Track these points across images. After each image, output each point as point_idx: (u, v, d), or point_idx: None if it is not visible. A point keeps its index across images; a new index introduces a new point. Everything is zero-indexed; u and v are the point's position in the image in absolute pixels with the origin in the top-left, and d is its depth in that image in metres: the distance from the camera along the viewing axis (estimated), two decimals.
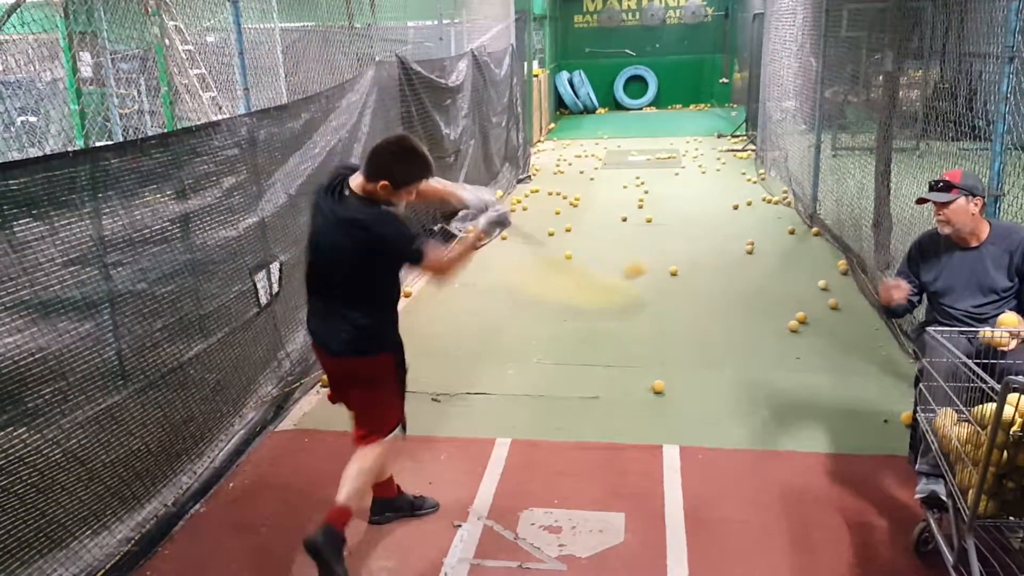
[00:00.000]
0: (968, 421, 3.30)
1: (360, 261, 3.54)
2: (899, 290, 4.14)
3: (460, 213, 10.06)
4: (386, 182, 3.48)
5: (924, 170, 6.50)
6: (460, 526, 4.14)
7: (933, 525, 3.59)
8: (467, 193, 3.95)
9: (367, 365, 3.76)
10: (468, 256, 3.72)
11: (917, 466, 3.84)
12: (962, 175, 3.99)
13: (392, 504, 4.22)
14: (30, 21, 6.14)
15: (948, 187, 3.97)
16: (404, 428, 3.99)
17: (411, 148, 3.58)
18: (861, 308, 7.07)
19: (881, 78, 7.69)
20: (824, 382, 5.63)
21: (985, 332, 3.67)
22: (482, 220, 3.79)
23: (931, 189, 4.06)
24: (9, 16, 6.23)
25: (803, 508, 4.20)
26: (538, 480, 4.54)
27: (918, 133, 7.72)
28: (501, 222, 3.83)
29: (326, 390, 5.61)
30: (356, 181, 3.56)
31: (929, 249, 4.22)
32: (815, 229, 9.60)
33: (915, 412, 3.93)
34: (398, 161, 3.52)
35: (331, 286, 3.69)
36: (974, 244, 4.07)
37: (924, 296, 4.30)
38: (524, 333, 6.76)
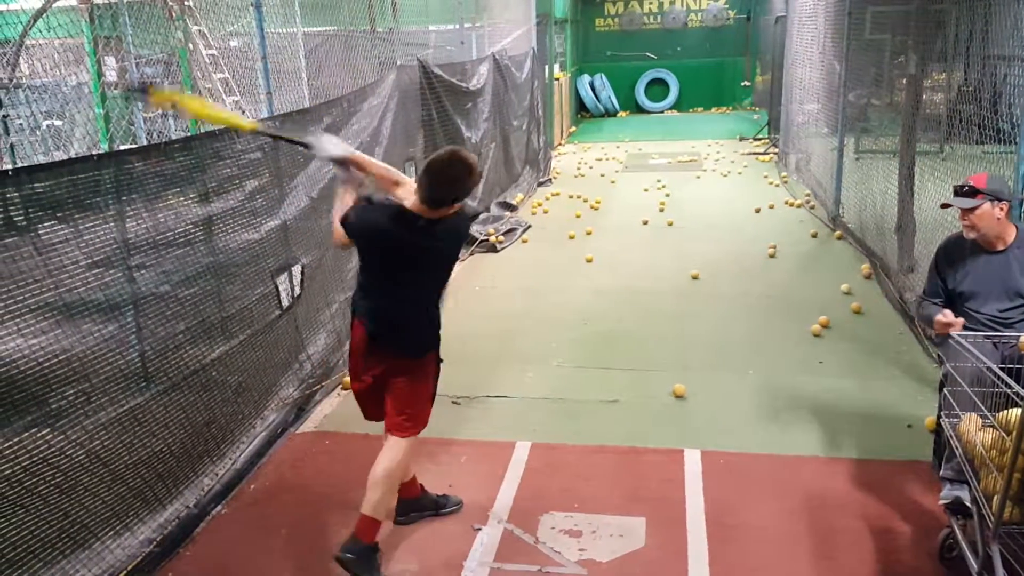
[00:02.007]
0: (993, 426, 3.27)
1: (450, 271, 3.84)
2: (957, 326, 3.99)
3: (480, 215, 10.09)
4: (459, 204, 3.61)
5: (948, 173, 6.44)
6: (480, 529, 4.14)
7: (957, 531, 3.55)
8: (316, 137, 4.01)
9: (424, 364, 3.89)
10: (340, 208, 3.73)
11: (941, 472, 3.80)
12: (987, 179, 3.95)
13: (417, 504, 4.25)
14: (56, 26, 6.21)
15: (973, 192, 3.93)
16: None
17: (466, 163, 3.54)
18: (884, 312, 7.01)
19: (904, 81, 7.63)
20: (847, 386, 5.59)
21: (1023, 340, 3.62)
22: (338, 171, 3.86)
23: (956, 194, 4.02)
24: (36, 21, 6.30)
25: (826, 513, 4.17)
26: (558, 483, 4.53)
27: (942, 136, 7.65)
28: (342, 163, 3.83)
29: (347, 392, 5.66)
30: (418, 207, 3.55)
31: (954, 253, 4.17)
32: (838, 232, 9.53)
33: (939, 417, 3.90)
34: (465, 181, 3.53)
35: (413, 301, 3.76)
36: (1000, 248, 4.02)
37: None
38: (543, 336, 6.76)
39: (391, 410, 3.89)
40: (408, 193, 3.71)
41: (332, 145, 3.85)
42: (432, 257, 3.68)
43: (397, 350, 3.80)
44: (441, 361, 3.96)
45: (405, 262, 3.64)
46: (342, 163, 3.79)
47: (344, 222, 3.65)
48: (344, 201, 3.72)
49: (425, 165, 3.53)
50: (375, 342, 3.78)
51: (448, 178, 3.50)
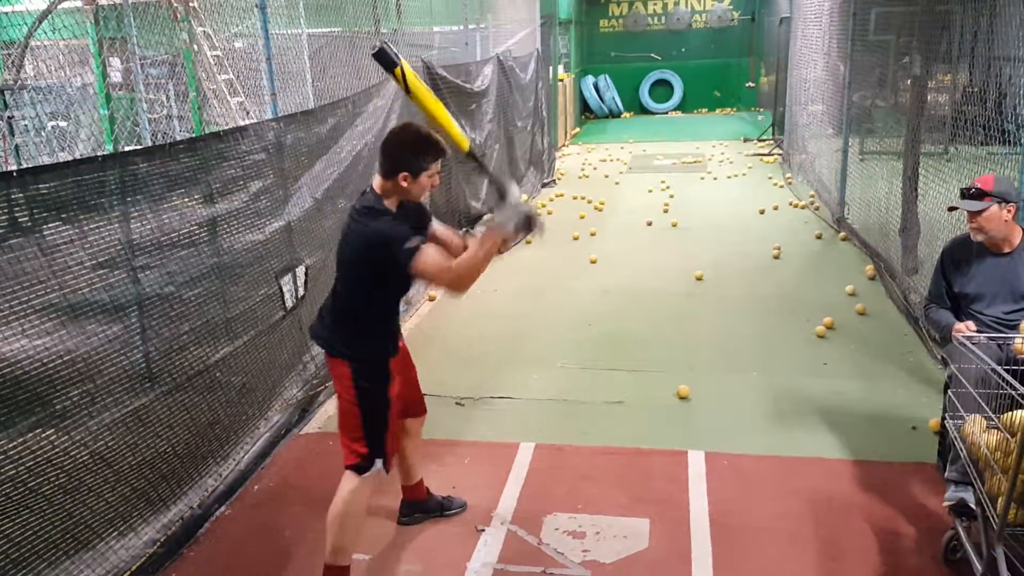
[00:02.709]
0: (998, 428, 3.26)
1: (351, 264, 3.50)
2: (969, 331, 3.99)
3: (485, 216, 10.10)
4: (405, 173, 3.39)
5: (952, 174, 6.43)
6: (484, 531, 4.14)
7: (962, 533, 3.54)
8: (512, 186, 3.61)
9: (332, 365, 3.63)
10: (487, 259, 3.42)
11: (946, 473, 3.80)
12: (994, 181, 3.94)
13: (422, 506, 4.25)
14: (61, 27, 6.22)
15: (980, 194, 3.92)
16: (385, 464, 3.62)
17: (417, 132, 3.47)
18: (889, 313, 7.00)
19: (909, 82, 7.62)
20: (851, 388, 5.58)
21: (1018, 341, 3.62)
22: (509, 223, 3.47)
23: (963, 196, 4.01)
24: (40, 22, 6.31)
25: (830, 515, 4.16)
26: (562, 485, 4.53)
27: (946, 137, 7.64)
28: (529, 224, 3.49)
29: None
30: (376, 182, 3.48)
31: (960, 255, 4.17)
32: (842, 233, 9.52)
33: (944, 419, 3.89)
34: (409, 149, 3.42)
35: (339, 271, 3.63)
36: (1007, 250, 4.01)
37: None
38: (548, 337, 6.75)
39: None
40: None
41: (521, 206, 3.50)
42: (346, 234, 3.49)
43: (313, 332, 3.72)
44: (378, 395, 3.57)
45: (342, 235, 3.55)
46: (527, 224, 3.48)
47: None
48: (488, 251, 3.41)
49: None
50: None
51: (395, 143, 3.48)
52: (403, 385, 3.77)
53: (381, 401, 3.57)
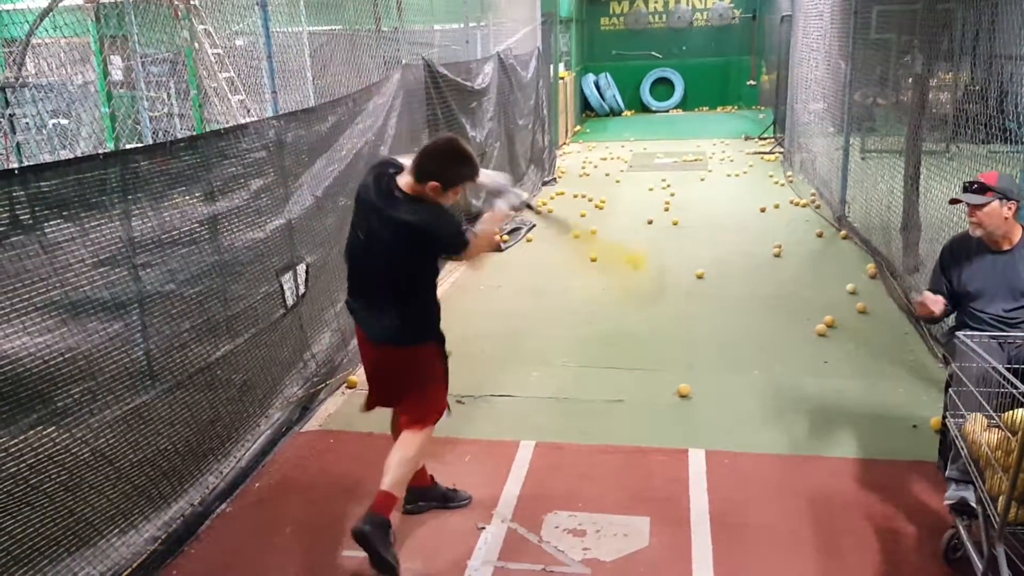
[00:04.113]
0: (999, 427, 3.26)
1: (411, 257, 3.70)
2: (937, 304, 4.08)
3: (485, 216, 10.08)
4: (436, 183, 3.58)
5: (954, 173, 6.42)
6: (484, 528, 4.14)
7: (962, 532, 3.54)
8: (483, 177, 3.93)
9: (412, 355, 3.85)
10: (492, 236, 3.91)
11: (947, 472, 3.80)
12: (998, 177, 3.95)
13: (426, 494, 4.27)
14: (62, 25, 6.22)
15: (983, 189, 3.93)
16: (448, 411, 4.07)
17: (460, 150, 3.67)
18: (890, 312, 7.00)
19: (910, 80, 7.62)
20: (852, 387, 5.58)
21: None
22: (500, 203, 3.92)
23: (965, 190, 4.02)
24: (42, 20, 6.31)
25: (830, 514, 4.16)
26: (562, 483, 4.53)
27: (948, 136, 7.63)
28: (516, 203, 3.97)
29: (351, 391, 5.68)
30: (404, 180, 3.64)
31: (960, 252, 4.17)
32: (843, 232, 9.52)
33: (944, 417, 3.89)
34: (448, 163, 3.61)
35: (379, 280, 3.77)
36: (1006, 248, 4.02)
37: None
38: (549, 335, 6.75)
39: (398, 406, 4.00)
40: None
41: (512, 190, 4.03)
42: (390, 231, 3.63)
43: (373, 335, 3.86)
44: (447, 355, 3.98)
45: (372, 230, 3.68)
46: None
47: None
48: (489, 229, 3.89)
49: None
50: (356, 322, 3.94)
51: (436, 152, 3.65)
52: None
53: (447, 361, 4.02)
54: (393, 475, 3.75)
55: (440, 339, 3.94)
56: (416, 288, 3.79)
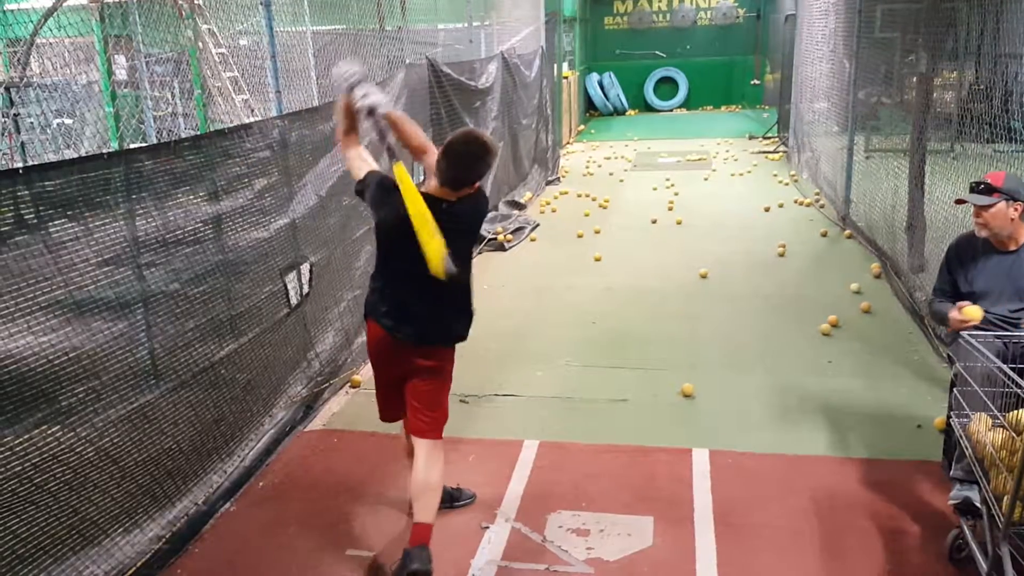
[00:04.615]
0: (1003, 427, 3.25)
1: (473, 244, 3.82)
2: (971, 322, 4.00)
3: (488, 214, 10.09)
4: (478, 183, 3.62)
5: (958, 172, 6.41)
6: (488, 527, 4.14)
7: (967, 532, 3.54)
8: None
9: (448, 355, 3.89)
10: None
11: (951, 472, 3.79)
12: (1005, 178, 3.93)
13: None
14: (66, 25, 6.23)
15: (990, 190, 3.91)
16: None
17: (486, 142, 3.58)
18: (894, 312, 6.99)
19: (915, 79, 7.60)
20: (856, 386, 5.58)
21: None
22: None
23: (972, 191, 4.01)
24: (46, 20, 6.33)
25: (834, 513, 4.16)
26: (566, 482, 4.53)
27: (952, 135, 7.62)
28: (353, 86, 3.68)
29: (355, 390, 5.68)
30: (433, 187, 3.60)
31: (966, 252, 4.16)
32: (847, 231, 9.51)
33: (949, 417, 3.88)
34: (487, 159, 3.56)
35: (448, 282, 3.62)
36: (1012, 248, 4.01)
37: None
38: (552, 335, 6.75)
39: (418, 412, 3.83)
40: (431, 163, 3.69)
41: (375, 93, 3.69)
42: (456, 238, 3.54)
43: (430, 342, 3.75)
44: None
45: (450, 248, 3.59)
46: (376, 116, 3.69)
47: (360, 193, 3.69)
48: (344, 121, 3.77)
49: (443, 148, 3.53)
50: (397, 339, 3.71)
51: (467, 159, 3.52)
52: None
53: None
54: (428, 505, 3.72)
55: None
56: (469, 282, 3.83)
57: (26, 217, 3.21)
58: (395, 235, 3.54)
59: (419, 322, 3.71)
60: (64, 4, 6.31)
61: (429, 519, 3.70)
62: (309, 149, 5.44)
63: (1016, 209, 3.91)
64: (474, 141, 3.54)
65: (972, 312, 3.87)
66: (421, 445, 3.79)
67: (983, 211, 3.93)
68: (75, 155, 6.62)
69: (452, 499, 4.29)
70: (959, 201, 4.20)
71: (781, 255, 8.79)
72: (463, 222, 3.62)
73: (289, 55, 6.01)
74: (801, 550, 3.89)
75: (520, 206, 11.25)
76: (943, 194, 6.50)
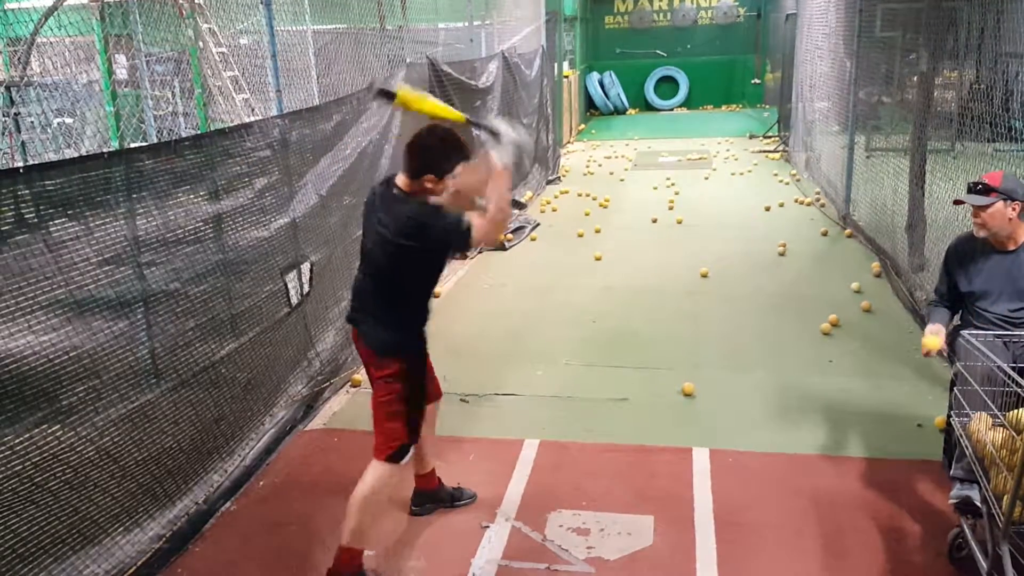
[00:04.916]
0: (1003, 426, 3.25)
1: (402, 256, 3.47)
2: (940, 335, 4.05)
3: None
4: (431, 175, 3.46)
5: (959, 172, 6.41)
6: (488, 527, 4.14)
7: (967, 531, 3.54)
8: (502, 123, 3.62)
9: (380, 365, 3.65)
10: (502, 205, 3.46)
11: (951, 471, 3.79)
12: (1002, 178, 3.93)
13: (434, 496, 4.28)
14: (67, 24, 6.23)
15: (987, 190, 3.91)
16: (404, 454, 3.66)
17: (444, 135, 3.54)
18: (895, 311, 6.99)
19: (916, 79, 7.60)
20: (857, 385, 5.58)
21: None
22: (494, 155, 3.54)
23: (969, 191, 4.01)
24: (47, 19, 6.32)
25: (835, 512, 4.16)
26: (566, 482, 4.53)
27: (953, 134, 7.62)
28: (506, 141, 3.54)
29: (356, 389, 5.69)
30: (401, 180, 3.53)
31: (965, 252, 4.16)
32: (848, 231, 9.51)
33: (949, 416, 3.88)
34: (437, 151, 3.48)
35: (373, 280, 3.62)
36: (1011, 248, 4.01)
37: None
38: (553, 334, 6.75)
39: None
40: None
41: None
42: (372, 232, 3.54)
43: (359, 334, 3.72)
44: (416, 386, 3.68)
45: (369, 229, 3.60)
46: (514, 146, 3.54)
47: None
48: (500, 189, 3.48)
49: None
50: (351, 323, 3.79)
51: (419, 145, 3.52)
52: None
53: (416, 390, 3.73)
54: (350, 523, 3.60)
55: (411, 358, 3.67)
56: (403, 294, 3.62)
57: (26, 216, 3.21)
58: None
59: (361, 322, 3.71)
60: (64, 3, 6.30)
61: (344, 540, 3.60)
62: (309, 148, 5.44)
63: (1014, 208, 3.91)
64: (432, 131, 3.55)
65: (927, 342, 3.98)
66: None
67: (981, 211, 3.93)
68: (76, 154, 6.62)
69: (453, 499, 4.30)
70: (957, 202, 4.20)
71: (781, 254, 8.79)
72: (395, 214, 3.45)
73: (289, 54, 6.01)
74: (801, 549, 3.89)
75: (520, 205, 11.25)
76: (943, 193, 6.50)
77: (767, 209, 10.97)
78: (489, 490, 4.44)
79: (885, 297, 7.34)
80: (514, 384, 5.78)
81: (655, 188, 12.76)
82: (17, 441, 3.15)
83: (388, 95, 3.62)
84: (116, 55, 6.84)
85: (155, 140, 6.72)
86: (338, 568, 3.63)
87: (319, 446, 5.05)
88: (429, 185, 3.47)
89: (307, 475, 4.72)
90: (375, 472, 3.63)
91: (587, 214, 11.09)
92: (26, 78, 7.03)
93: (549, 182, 13.46)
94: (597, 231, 10.11)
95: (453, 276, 8.33)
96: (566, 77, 17.65)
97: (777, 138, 16.58)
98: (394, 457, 3.62)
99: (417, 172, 3.47)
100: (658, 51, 24.02)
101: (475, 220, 3.39)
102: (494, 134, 3.52)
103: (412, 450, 3.69)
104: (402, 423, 3.63)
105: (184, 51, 6.95)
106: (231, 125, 5.65)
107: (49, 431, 3.29)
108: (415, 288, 3.63)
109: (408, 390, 3.63)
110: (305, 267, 5.36)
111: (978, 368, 3.55)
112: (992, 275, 4.03)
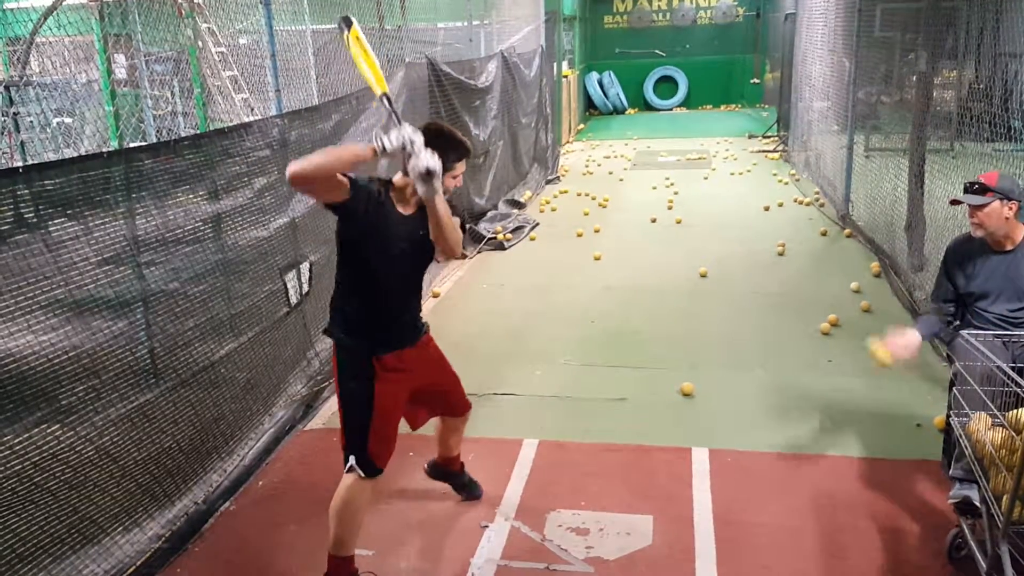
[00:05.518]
0: (1003, 426, 3.26)
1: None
2: (909, 348, 4.11)
3: (488, 213, 10.10)
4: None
5: (958, 171, 6.41)
6: (487, 526, 4.14)
7: (966, 531, 3.54)
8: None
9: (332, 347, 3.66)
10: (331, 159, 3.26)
11: (951, 471, 3.79)
12: (998, 177, 3.94)
13: (453, 477, 4.34)
14: (66, 23, 6.22)
15: (983, 190, 3.92)
16: (362, 465, 3.52)
17: (440, 131, 3.47)
18: (894, 311, 6.99)
19: (915, 78, 7.61)
20: (856, 385, 5.58)
21: None
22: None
23: (966, 191, 4.01)
24: (46, 19, 6.32)
25: (834, 512, 4.16)
26: (565, 481, 4.53)
27: (952, 134, 7.62)
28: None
29: None
30: (397, 177, 3.48)
31: (963, 253, 4.16)
32: (847, 230, 9.51)
33: (948, 416, 3.88)
34: (433, 147, 3.29)
35: (406, 281, 3.62)
36: (1009, 248, 4.01)
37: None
38: (551, 334, 6.75)
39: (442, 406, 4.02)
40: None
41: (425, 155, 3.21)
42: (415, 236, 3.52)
43: (400, 347, 3.66)
44: (347, 367, 3.58)
45: (395, 245, 3.58)
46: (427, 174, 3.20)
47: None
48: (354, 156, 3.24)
49: None
50: (383, 352, 3.66)
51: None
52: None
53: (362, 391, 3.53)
54: (331, 533, 3.56)
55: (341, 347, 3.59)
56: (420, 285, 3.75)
57: (26, 216, 3.21)
58: None
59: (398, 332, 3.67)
60: (64, 3, 6.30)
61: (329, 548, 3.56)
62: (309, 148, 5.43)
63: (1011, 208, 3.91)
64: (428, 127, 3.46)
65: (877, 353, 4.09)
66: None
67: (978, 211, 3.94)
68: (75, 154, 6.61)
69: (466, 489, 4.36)
70: (954, 202, 4.21)
71: (781, 254, 8.79)
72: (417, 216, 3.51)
73: (289, 54, 6.00)
74: (800, 549, 3.89)
75: (520, 205, 11.26)
76: (943, 193, 6.50)
77: (766, 209, 10.97)
78: (488, 490, 4.44)
79: (884, 297, 7.34)
80: (513, 384, 5.78)
81: (654, 188, 12.76)
82: (17, 441, 3.15)
83: (347, 23, 3.57)
84: (115, 55, 6.84)
85: (154, 140, 6.72)
86: (330, 574, 3.62)
87: (318, 446, 5.05)
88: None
89: (306, 475, 4.72)
90: (344, 482, 3.55)
91: (586, 214, 11.09)
92: (25, 78, 7.03)
93: (548, 182, 13.47)
94: (596, 231, 10.11)
95: (452, 276, 8.33)
96: (565, 77, 17.65)
97: (776, 138, 16.58)
98: (354, 469, 3.51)
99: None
100: (657, 51, 24.03)
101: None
102: (397, 121, 3.27)
103: (379, 470, 3.55)
104: (341, 430, 3.57)
105: (183, 51, 6.94)
106: (230, 125, 5.64)
107: (49, 431, 3.30)
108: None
109: (341, 390, 3.55)
110: (304, 267, 5.36)
111: (977, 368, 3.55)
112: (991, 276, 4.03)
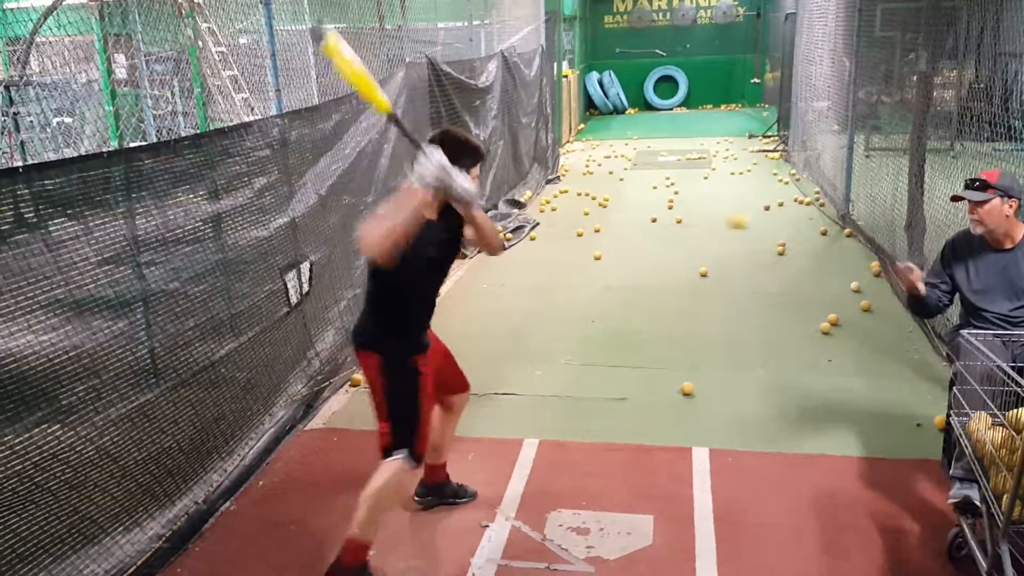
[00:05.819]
0: (1003, 425, 3.26)
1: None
2: (912, 272, 4.11)
3: (488, 213, 10.09)
4: None
5: (958, 171, 6.41)
6: (488, 526, 4.14)
7: (967, 530, 3.54)
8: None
9: (366, 362, 3.68)
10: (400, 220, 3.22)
11: (951, 471, 3.79)
12: (999, 175, 3.95)
13: (440, 489, 4.29)
14: (66, 23, 6.23)
15: (984, 186, 3.93)
16: (413, 457, 3.61)
17: (456, 137, 3.53)
18: (894, 310, 6.99)
19: (915, 78, 7.61)
20: (856, 385, 5.58)
21: None
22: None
23: (967, 187, 4.02)
24: (46, 18, 6.32)
25: (834, 512, 4.16)
26: (566, 481, 4.53)
27: (952, 134, 7.63)
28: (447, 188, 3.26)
29: (355, 389, 5.68)
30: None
31: (962, 249, 4.17)
32: (847, 230, 9.51)
33: (949, 416, 3.88)
34: (448, 152, 3.27)
35: (436, 283, 3.78)
36: (1008, 246, 4.01)
37: (955, 297, 4.25)
38: (552, 333, 6.75)
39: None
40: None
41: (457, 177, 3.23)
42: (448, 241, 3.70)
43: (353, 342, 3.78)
44: (406, 386, 3.62)
45: (437, 250, 3.67)
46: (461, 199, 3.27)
47: None
48: (400, 210, 3.24)
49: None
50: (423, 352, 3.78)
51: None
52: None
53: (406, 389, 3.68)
54: (359, 515, 3.56)
55: (387, 353, 3.62)
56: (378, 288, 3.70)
57: (26, 216, 3.21)
58: None
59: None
60: (64, 3, 6.30)
61: (352, 531, 3.57)
62: (309, 148, 5.44)
63: (1011, 206, 3.92)
64: (442, 134, 3.54)
65: (734, 220, 4.03)
66: None
67: (978, 207, 3.94)
68: (75, 154, 6.62)
69: (456, 495, 4.32)
70: (955, 198, 4.22)
71: (781, 254, 8.79)
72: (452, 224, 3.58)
73: (289, 54, 6.00)
74: (801, 549, 3.89)
75: (520, 205, 11.26)
76: (943, 193, 6.49)
77: (766, 208, 10.97)
78: (489, 489, 4.43)
79: (884, 296, 7.34)
80: (513, 384, 5.78)
81: (654, 188, 12.76)
82: (17, 441, 3.15)
83: (317, 35, 3.49)
84: (115, 54, 6.84)
85: (154, 139, 6.73)
86: (343, 558, 3.62)
87: (319, 446, 5.05)
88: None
89: (307, 475, 4.72)
90: (389, 468, 3.60)
91: (586, 213, 11.09)
92: (25, 77, 7.03)
93: (548, 181, 13.47)
94: (596, 230, 10.11)
95: (453, 276, 8.33)
96: (565, 77, 17.65)
97: (776, 137, 16.58)
98: (402, 459, 3.60)
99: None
100: (657, 50, 24.03)
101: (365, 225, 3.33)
102: (417, 147, 3.29)
103: (422, 458, 3.69)
104: (387, 428, 3.64)
105: (183, 50, 6.95)
106: (230, 124, 5.65)
107: (49, 431, 3.30)
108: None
109: (389, 392, 3.62)
110: (304, 267, 5.36)
111: (977, 367, 3.55)
112: (990, 274, 4.04)
